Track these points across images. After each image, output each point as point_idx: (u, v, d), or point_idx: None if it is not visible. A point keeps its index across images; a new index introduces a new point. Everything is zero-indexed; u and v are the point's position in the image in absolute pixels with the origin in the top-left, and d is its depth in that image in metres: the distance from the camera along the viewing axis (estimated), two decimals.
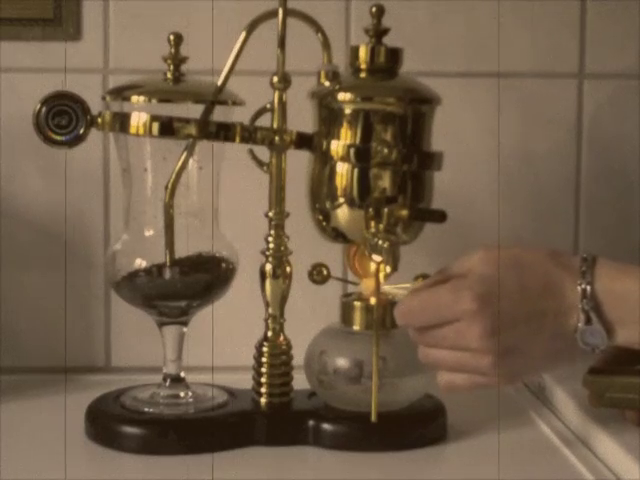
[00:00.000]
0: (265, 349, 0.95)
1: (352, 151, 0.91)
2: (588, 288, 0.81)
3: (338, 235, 0.95)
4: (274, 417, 0.94)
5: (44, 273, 1.13)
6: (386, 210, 0.90)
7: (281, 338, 0.95)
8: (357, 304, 0.95)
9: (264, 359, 0.94)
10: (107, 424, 0.93)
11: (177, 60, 0.94)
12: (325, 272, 0.95)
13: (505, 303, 0.82)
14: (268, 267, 0.94)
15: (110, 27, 1.13)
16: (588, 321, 0.81)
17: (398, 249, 0.88)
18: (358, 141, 0.92)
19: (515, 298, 0.82)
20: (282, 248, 0.94)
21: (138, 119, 0.89)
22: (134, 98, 0.92)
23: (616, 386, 0.91)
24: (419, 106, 0.93)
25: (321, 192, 0.94)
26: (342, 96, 0.92)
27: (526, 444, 0.94)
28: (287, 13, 0.92)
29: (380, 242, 0.87)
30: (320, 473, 0.89)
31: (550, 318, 0.82)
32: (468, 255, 0.85)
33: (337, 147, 0.92)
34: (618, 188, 1.20)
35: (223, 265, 0.96)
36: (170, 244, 0.90)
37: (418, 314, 0.85)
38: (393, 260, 0.87)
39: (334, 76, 0.92)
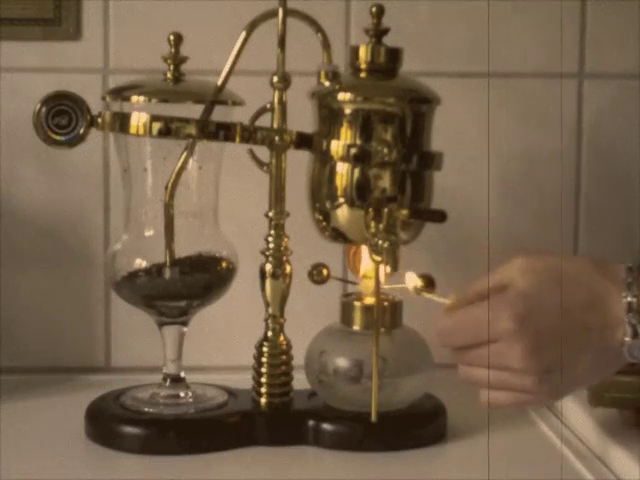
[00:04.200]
0: (265, 349, 0.95)
1: (352, 151, 0.91)
2: (634, 301, 0.77)
3: (338, 235, 0.95)
4: (274, 417, 0.94)
5: (44, 273, 1.13)
6: (386, 210, 0.90)
7: (281, 338, 0.95)
8: (357, 304, 0.95)
9: (264, 359, 0.94)
10: (107, 424, 0.93)
11: (177, 60, 0.94)
12: (325, 272, 0.94)
13: (547, 319, 0.77)
14: (268, 267, 0.94)
15: (110, 27, 1.12)
16: (635, 335, 0.77)
17: (398, 249, 0.88)
18: (358, 141, 0.92)
19: (557, 313, 0.77)
20: (282, 248, 0.94)
21: (138, 119, 0.89)
22: (134, 98, 0.92)
23: (616, 386, 0.91)
24: (419, 106, 0.93)
25: (321, 192, 0.94)
26: (342, 96, 0.92)
27: (526, 444, 0.94)
28: (287, 13, 0.92)
29: (380, 242, 0.87)
30: (320, 473, 0.89)
31: (595, 333, 0.78)
32: (506, 265, 0.81)
33: (337, 147, 0.92)
34: (618, 189, 1.19)
35: (223, 265, 0.96)
36: (170, 244, 0.90)
37: (456, 334, 0.81)
38: (393, 260, 0.87)
39: (334, 76, 0.92)
